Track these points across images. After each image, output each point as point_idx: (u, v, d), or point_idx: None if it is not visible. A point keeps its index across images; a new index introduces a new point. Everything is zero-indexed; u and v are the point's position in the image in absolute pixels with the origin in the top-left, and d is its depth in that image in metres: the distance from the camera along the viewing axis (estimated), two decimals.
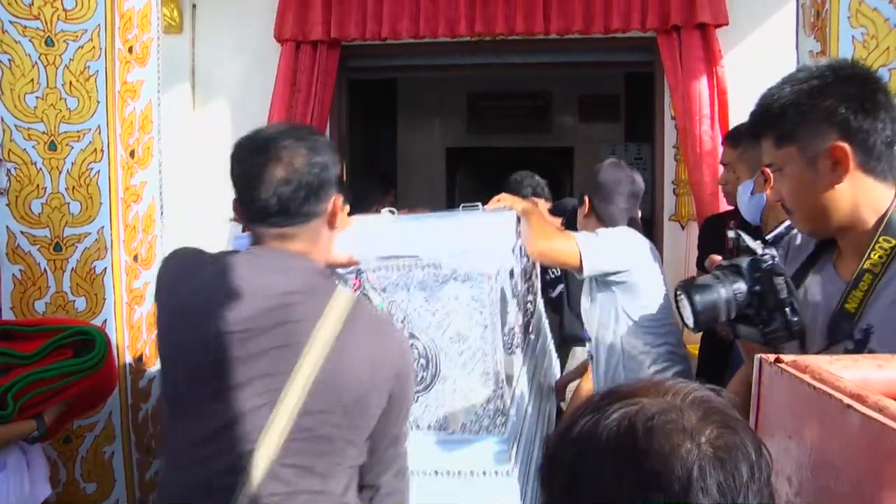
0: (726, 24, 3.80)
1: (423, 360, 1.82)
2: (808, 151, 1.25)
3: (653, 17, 3.87)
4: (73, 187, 2.27)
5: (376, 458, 1.41)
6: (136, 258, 2.41)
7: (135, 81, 2.43)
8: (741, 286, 1.26)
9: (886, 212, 1.23)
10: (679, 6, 3.81)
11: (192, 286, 1.39)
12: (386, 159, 6.75)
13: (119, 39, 2.35)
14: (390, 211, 2.22)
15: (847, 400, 0.77)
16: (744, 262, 1.29)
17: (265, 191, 1.40)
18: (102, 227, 2.29)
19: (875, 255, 1.21)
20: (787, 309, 1.23)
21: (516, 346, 1.98)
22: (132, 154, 2.40)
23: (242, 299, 1.33)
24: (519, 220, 2.26)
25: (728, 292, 1.26)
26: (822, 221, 1.28)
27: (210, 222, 4.38)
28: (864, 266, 1.22)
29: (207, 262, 1.43)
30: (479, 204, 2.30)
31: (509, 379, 1.87)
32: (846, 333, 1.21)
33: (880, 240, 1.22)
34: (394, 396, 1.38)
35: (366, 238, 1.83)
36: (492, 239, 1.91)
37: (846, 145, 1.22)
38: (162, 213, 2.52)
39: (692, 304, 1.26)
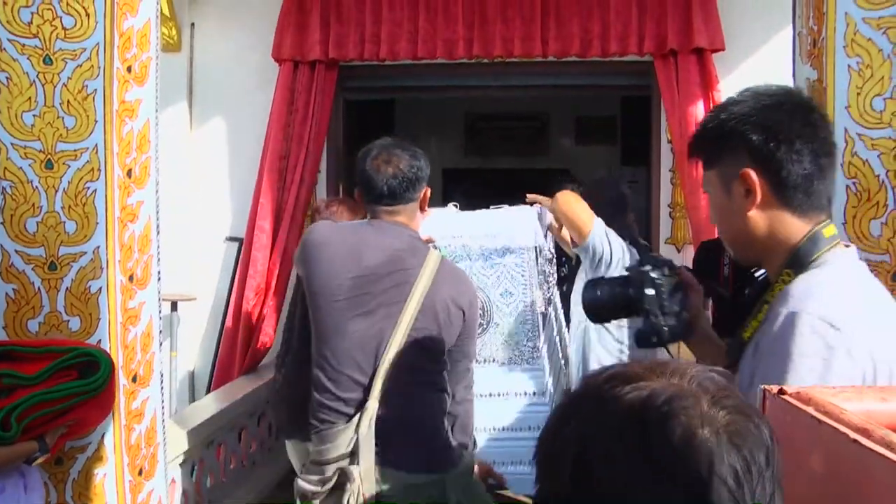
0: (722, 49, 3.85)
1: (480, 311, 2.43)
2: (725, 176, 1.24)
3: (650, 41, 3.92)
4: (70, 206, 2.26)
5: (454, 370, 2.08)
6: (131, 278, 2.40)
7: (133, 101, 2.43)
8: (623, 290, 1.37)
9: (796, 245, 1.20)
10: (676, 31, 3.86)
11: (337, 245, 2.06)
12: None
13: (118, 58, 2.35)
14: (454, 205, 2.90)
15: (853, 434, 0.76)
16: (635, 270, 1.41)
17: (380, 182, 2.10)
18: (98, 247, 2.27)
19: (777, 287, 1.20)
20: (652, 317, 1.31)
21: (544, 305, 2.68)
22: (129, 173, 2.40)
23: (369, 252, 2.03)
24: (538, 215, 2.91)
25: (605, 293, 1.38)
26: (743, 248, 1.28)
27: (206, 241, 4.38)
28: (766, 297, 1.21)
29: (346, 229, 2.23)
30: (505, 205, 2.96)
31: (542, 326, 2.63)
32: (735, 360, 1.22)
33: (783, 273, 1.21)
34: (467, 319, 2.08)
35: (439, 223, 2.62)
36: (527, 224, 2.74)
37: (754, 172, 1.20)
38: (158, 233, 2.50)
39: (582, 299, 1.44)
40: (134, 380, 2.42)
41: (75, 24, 2.27)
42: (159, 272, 2.51)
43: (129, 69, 2.41)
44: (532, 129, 7.05)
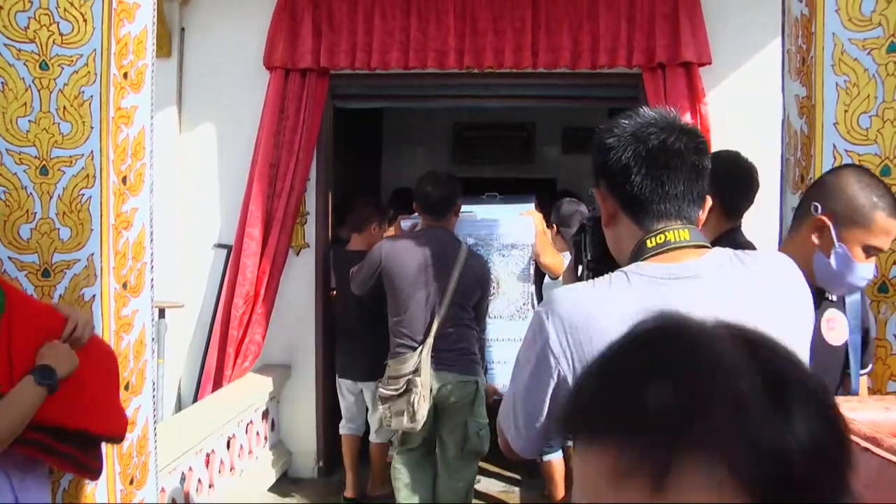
0: (709, 63, 3.92)
1: (494, 283, 3.64)
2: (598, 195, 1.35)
3: (639, 54, 3.98)
4: (64, 213, 2.25)
5: (479, 316, 3.34)
6: (125, 286, 2.39)
7: (129, 107, 2.42)
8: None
9: (629, 256, 1.27)
10: (664, 45, 3.92)
11: (407, 246, 3.25)
12: (370, 187, 6.75)
13: (114, 65, 2.35)
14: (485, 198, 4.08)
15: (863, 443, 0.79)
16: None
17: (430, 200, 3.26)
18: (92, 254, 2.26)
19: None
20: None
21: (532, 280, 3.84)
22: (124, 181, 2.39)
23: (427, 249, 3.21)
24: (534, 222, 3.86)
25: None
26: (618, 260, 1.34)
27: (195, 248, 4.35)
28: None
29: (410, 237, 3.38)
30: (497, 194, 4.18)
31: (531, 293, 3.81)
32: None
33: None
34: (483, 287, 3.33)
35: (472, 226, 3.80)
36: (527, 228, 3.80)
37: (605, 189, 1.29)
38: (152, 241, 2.50)
39: None
40: (126, 388, 2.41)
41: (73, 30, 2.26)
42: (152, 280, 2.51)
43: (125, 75, 2.41)
44: (519, 139, 7.10)
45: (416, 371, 3.11)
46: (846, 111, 2.04)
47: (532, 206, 3.98)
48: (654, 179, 1.22)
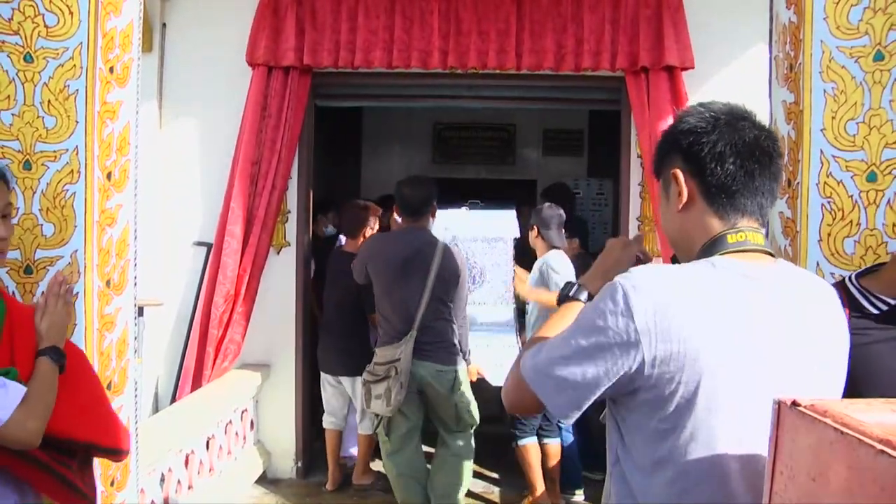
0: (692, 67, 3.96)
1: (479, 272, 4.25)
2: (665, 181, 1.32)
3: (622, 58, 4.00)
4: (48, 209, 2.20)
5: (456, 308, 3.54)
6: (108, 283, 2.34)
7: (114, 102, 2.38)
8: None
9: (703, 246, 1.26)
10: (648, 49, 3.95)
11: (388, 246, 3.51)
12: (350, 186, 6.73)
13: (101, 59, 2.30)
14: (466, 207, 4.58)
15: (878, 445, 0.80)
16: None
17: (408, 202, 3.50)
18: (76, 251, 2.21)
19: None
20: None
21: (512, 272, 4.31)
22: (109, 176, 2.34)
23: (407, 247, 3.44)
24: (515, 216, 4.54)
25: None
26: (678, 248, 1.33)
27: (174, 245, 4.29)
28: None
29: (391, 236, 3.72)
30: (479, 201, 4.80)
31: (510, 284, 4.29)
32: None
33: None
34: (462, 280, 3.53)
35: (460, 221, 4.38)
36: (510, 224, 4.37)
37: (683, 174, 1.27)
38: (136, 237, 2.45)
39: None
40: (108, 388, 2.36)
41: (58, 23, 2.21)
42: (136, 277, 2.46)
43: (111, 70, 2.36)
44: (499, 140, 7.12)
45: (398, 360, 3.37)
46: (833, 118, 2.07)
47: (513, 213, 4.55)
48: (748, 173, 1.23)
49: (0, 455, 1.64)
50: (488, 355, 4.01)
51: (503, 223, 4.30)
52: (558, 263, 3.85)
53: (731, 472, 1.14)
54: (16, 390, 1.63)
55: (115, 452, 1.92)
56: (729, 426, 1.14)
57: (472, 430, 3.59)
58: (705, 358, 1.13)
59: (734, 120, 1.25)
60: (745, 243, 1.22)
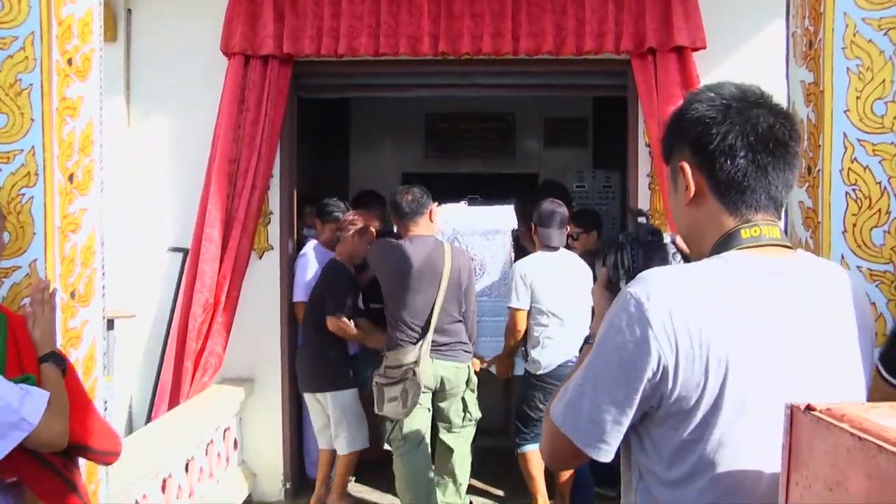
0: (704, 47, 3.93)
1: (478, 265, 4.58)
2: (674, 171, 1.32)
3: (627, 39, 3.98)
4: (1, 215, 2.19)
5: (467, 308, 3.96)
6: (73, 294, 2.32)
7: (75, 97, 2.36)
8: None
9: (715, 242, 1.27)
10: (655, 28, 3.93)
11: (397, 254, 3.86)
12: (337, 183, 6.71)
13: (57, 49, 2.28)
14: (465, 202, 4.85)
15: None
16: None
17: (404, 211, 3.90)
18: (35, 260, 2.19)
19: None
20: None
21: (510, 263, 4.61)
22: (71, 178, 2.32)
23: (415, 256, 3.83)
24: (513, 209, 4.81)
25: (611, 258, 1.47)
26: (689, 242, 1.35)
27: (147, 252, 4.28)
28: None
29: (399, 244, 3.89)
30: (477, 196, 5.04)
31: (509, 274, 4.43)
32: None
33: None
34: (469, 280, 3.98)
35: (459, 215, 4.70)
36: (508, 217, 4.74)
37: (691, 166, 1.27)
38: (103, 244, 2.44)
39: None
40: None
41: (4, 9, 2.18)
42: (104, 287, 2.45)
43: (69, 62, 2.34)
44: (497, 131, 7.10)
45: (416, 362, 3.78)
46: (858, 97, 2.04)
47: (512, 208, 4.81)
48: (760, 167, 1.23)
49: (13, 461, 1.78)
50: (487, 347, 4.45)
51: (502, 215, 4.74)
52: (530, 272, 3.97)
53: (762, 478, 1.15)
54: (40, 395, 1.81)
55: (108, 454, 2.08)
56: (756, 430, 1.15)
57: (474, 427, 4.04)
58: (728, 360, 1.14)
59: (747, 107, 1.24)
60: (759, 238, 1.23)
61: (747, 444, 1.15)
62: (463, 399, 3.94)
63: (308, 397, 4.24)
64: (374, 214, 5.48)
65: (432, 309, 3.80)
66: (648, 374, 1.14)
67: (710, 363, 1.14)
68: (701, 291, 1.17)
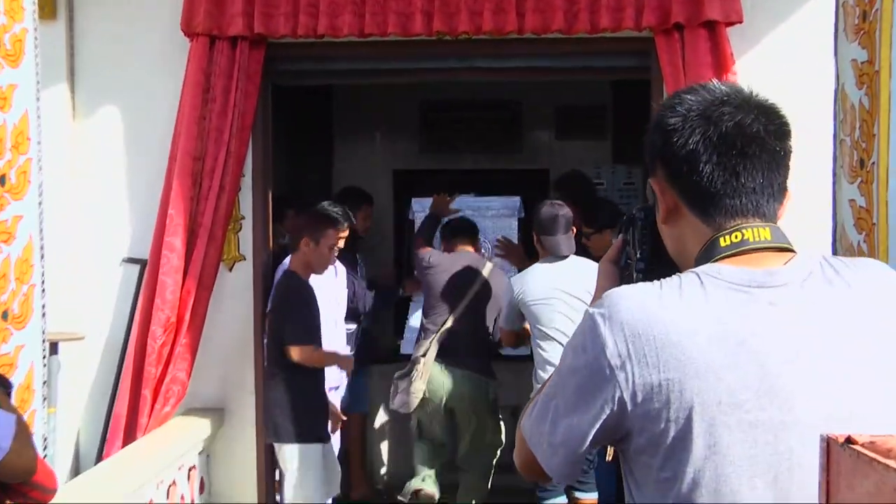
0: (740, 21, 3.90)
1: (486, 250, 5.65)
2: (653, 186, 1.38)
3: (650, 13, 3.95)
4: None
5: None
6: (5, 315, 2.30)
7: (5, 86, 2.33)
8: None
9: (697, 256, 1.30)
10: (682, 1, 3.90)
11: (443, 263, 5.01)
12: (319, 183, 6.70)
13: None
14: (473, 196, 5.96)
15: None
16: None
17: (456, 230, 5.26)
18: None
19: None
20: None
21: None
22: (2, 180, 2.30)
23: (454, 266, 4.95)
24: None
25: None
26: (678, 261, 1.37)
27: (97, 264, 4.25)
28: None
29: (446, 255, 5.10)
30: (473, 193, 6.03)
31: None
32: None
33: None
34: (497, 300, 4.92)
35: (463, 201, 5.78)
36: (514, 200, 6.19)
37: (663, 180, 1.33)
38: (42, 256, 2.40)
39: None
40: None
41: None
42: (44, 306, 2.42)
43: None
44: (502, 122, 7.10)
45: (424, 354, 4.60)
46: None
47: (517, 202, 5.65)
48: (728, 170, 1.26)
49: None
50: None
51: (509, 204, 5.86)
52: (525, 293, 4.05)
53: None
54: (6, 418, 1.80)
55: (45, 491, 2.04)
56: (739, 468, 1.17)
57: (493, 453, 4.66)
58: (692, 388, 1.17)
59: (710, 108, 1.28)
60: (742, 244, 1.26)
61: (730, 485, 1.17)
62: (479, 417, 4.58)
63: (276, 447, 4.24)
64: (364, 213, 5.50)
65: (452, 312, 4.68)
66: (606, 400, 1.20)
67: (671, 392, 1.17)
68: (663, 312, 1.20)
